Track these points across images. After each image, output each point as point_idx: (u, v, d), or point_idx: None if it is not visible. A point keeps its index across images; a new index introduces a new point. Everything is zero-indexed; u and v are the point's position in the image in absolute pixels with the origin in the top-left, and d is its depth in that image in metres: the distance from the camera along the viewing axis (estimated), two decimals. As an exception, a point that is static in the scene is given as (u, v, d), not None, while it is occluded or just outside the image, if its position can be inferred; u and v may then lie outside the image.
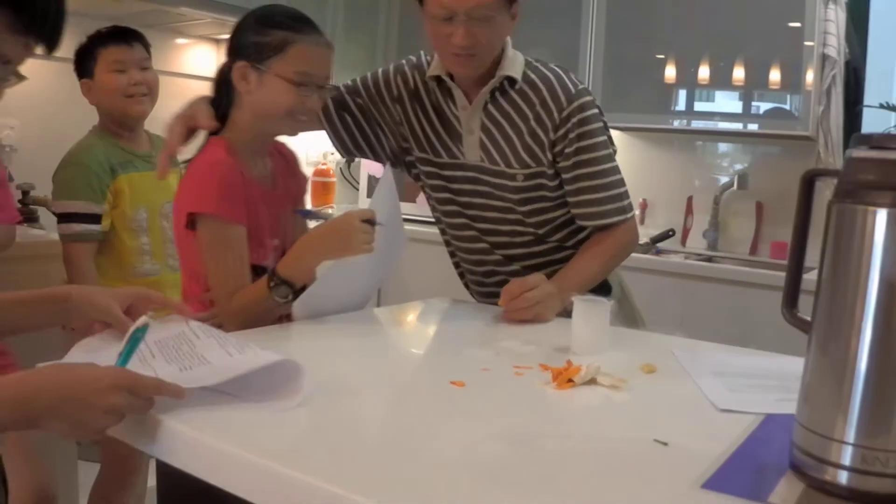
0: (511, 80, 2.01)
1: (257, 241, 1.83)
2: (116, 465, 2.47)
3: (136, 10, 3.42)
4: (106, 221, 2.44)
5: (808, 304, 1.01)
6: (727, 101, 3.88)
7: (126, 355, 1.22)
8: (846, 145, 0.99)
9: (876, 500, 0.91)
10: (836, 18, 3.43)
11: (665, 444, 1.09)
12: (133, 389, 1.06)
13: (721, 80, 3.72)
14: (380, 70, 2.21)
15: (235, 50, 1.84)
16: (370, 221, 1.71)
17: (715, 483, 0.96)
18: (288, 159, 2.05)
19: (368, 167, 4.51)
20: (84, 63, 2.51)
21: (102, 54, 2.48)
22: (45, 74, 3.32)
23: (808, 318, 1.01)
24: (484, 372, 1.43)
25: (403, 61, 2.19)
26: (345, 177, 4.71)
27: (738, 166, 4.03)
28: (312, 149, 4.53)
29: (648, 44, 3.81)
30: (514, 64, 2.02)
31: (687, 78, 3.78)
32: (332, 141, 2.20)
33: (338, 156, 4.52)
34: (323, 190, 4.26)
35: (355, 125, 2.17)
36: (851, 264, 0.93)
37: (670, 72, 3.82)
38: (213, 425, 1.11)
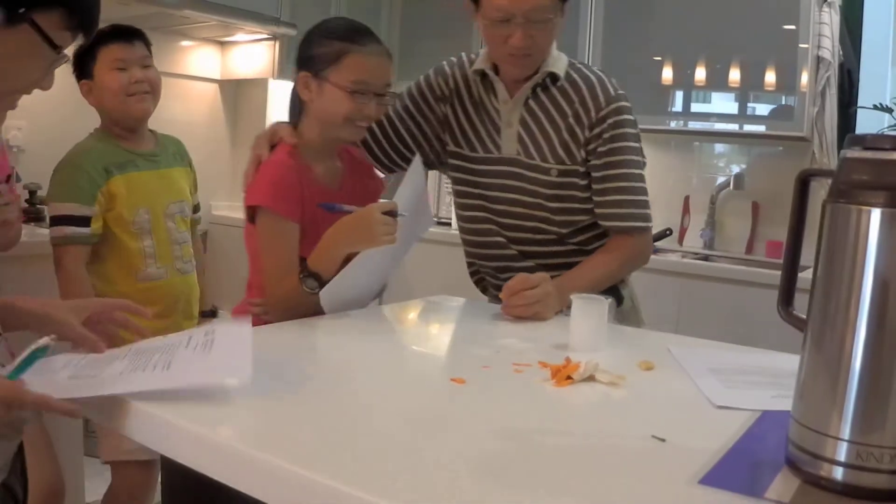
0: (554, 77, 2.05)
1: (314, 237, 1.87)
2: (124, 492, 2.43)
3: (140, 13, 3.43)
4: (96, 224, 2.32)
5: (804, 302, 1.03)
6: (723, 103, 3.90)
7: (18, 370, 1.20)
8: (840, 146, 1.00)
9: (870, 496, 0.92)
10: (830, 21, 3.45)
11: (663, 440, 1.10)
12: (13, 403, 1.10)
13: (717, 82, 3.74)
14: (421, 77, 2.26)
15: (300, 61, 1.97)
16: (392, 213, 1.76)
17: (712, 479, 0.97)
18: (360, 162, 2.15)
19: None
20: (83, 64, 2.40)
21: (102, 53, 2.37)
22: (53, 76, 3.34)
23: (804, 316, 1.02)
24: (484, 369, 1.44)
25: (444, 62, 2.24)
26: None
27: (735, 167, 4.05)
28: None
29: (645, 46, 3.83)
30: (559, 62, 2.06)
31: (684, 79, 3.80)
32: (371, 157, 2.24)
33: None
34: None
35: (398, 138, 2.23)
36: (846, 263, 0.95)
37: (667, 73, 3.84)
38: (214, 421, 1.12)
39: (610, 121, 2.02)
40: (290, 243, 1.88)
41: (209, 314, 2.71)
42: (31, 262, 2.55)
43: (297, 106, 2.00)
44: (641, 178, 2.08)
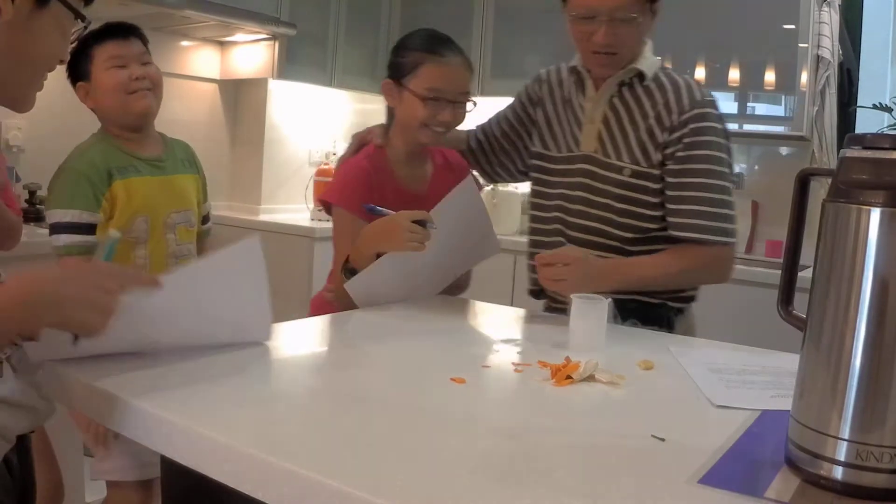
0: (640, 76, 2.01)
1: None
2: None
3: (140, 13, 3.43)
4: (101, 233, 2.14)
5: (804, 301, 1.03)
6: (723, 102, 3.86)
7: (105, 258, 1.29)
8: (840, 145, 1.00)
9: (870, 495, 0.92)
10: (829, 20, 3.46)
11: (662, 439, 1.11)
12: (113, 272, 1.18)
13: (717, 82, 3.74)
14: (523, 85, 2.29)
15: (388, 69, 2.14)
16: (421, 223, 1.85)
17: (711, 478, 0.97)
18: (454, 168, 2.24)
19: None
20: (78, 66, 2.24)
21: (98, 52, 2.21)
22: (51, 74, 3.33)
23: (803, 316, 1.02)
24: (484, 369, 1.44)
25: (542, 69, 2.26)
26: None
27: (734, 166, 4.05)
28: (315, 149, 4.54)
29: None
30: (648, 63, 2.02)
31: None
32: (475, 165, 2.32)
33: (340, 154, 4.57)
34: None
35: (498, 146, 2.29)
36: (845, 262, 0.95)
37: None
38: (215, 420, 1.12)
39: (692, 126, 1.94)
40: (354, 238, 2.00)
41: None
42: (31, 262, 2.53)
43: (390, 111, 2.18)
44: (724, 190, 1.96)
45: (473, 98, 2.12)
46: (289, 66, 4.14)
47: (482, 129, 2.34)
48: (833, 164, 1.02)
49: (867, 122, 3.63)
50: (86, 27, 1.35)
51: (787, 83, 3.57)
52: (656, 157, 1.97)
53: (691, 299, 2.09)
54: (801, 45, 3.44)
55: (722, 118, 1.98)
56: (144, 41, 2.30)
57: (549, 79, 2.21)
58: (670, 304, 2.04)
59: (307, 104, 4.49)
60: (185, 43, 4.08)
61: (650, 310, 2.01)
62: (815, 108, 3.47)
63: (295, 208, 4.39)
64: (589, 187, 2.04)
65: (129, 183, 2.19)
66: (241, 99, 4.37)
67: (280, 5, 3.97)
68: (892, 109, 3.22)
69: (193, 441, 1.08)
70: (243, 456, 1.02)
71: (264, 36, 4.06)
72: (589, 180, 2.04)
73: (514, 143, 2.27)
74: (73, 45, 2.10)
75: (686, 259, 1.96)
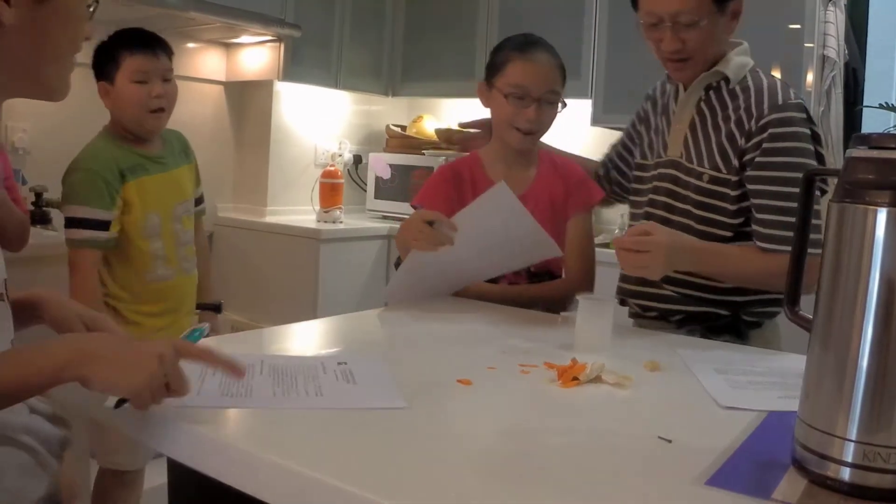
0: (725, 79, 1.93)
1: None
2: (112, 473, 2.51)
3: (146, 15, 3.43)
4: (115, 228, 2.35)
5: (810, 301, 1.03)
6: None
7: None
8: (846, 145, 1.00)
9: (877, 496, 0.92)
10: (835, 20, 3.45)
11: (669, 440, 1.11)
12: (179, 348, 1.12)
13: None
14: None
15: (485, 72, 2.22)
16: (432, 222, 1.90)
17: (718, 479, 0.97)
18: (562, 175, 2.26)
19: (375, 168, 4.52)
20: (105, 65, 2.40)
21: (127, 61, 2.37)
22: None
23: (810, 316, 1.02)
24: (490, 370, 1.44)
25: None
26: (353, 178, 4.73)
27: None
28: (321, 150, 4.54)
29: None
30: (735, 66, 1.93)
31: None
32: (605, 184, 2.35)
33: (345, 157, 4.59)
34: (331, 191, 4.27)
35: (615, 164, 2.33)
36: (852, 263, 0.95)
37: (672, 72, 3.83)
38: (223, 423, 1.12)
39: (771, 130, 1.83)
40: None
41: (212, 307, 2.72)
42: (39, 264, 2.56)
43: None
44: None
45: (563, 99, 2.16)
46: (294, 67, 4.14)
47: (607, 154, 2.36)
48: (839, 164, 1.02)
49: (873, 121, 3.63)
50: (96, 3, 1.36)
51: (792, 82, 3.52)
52: (735, 162, 1.89)
53: (771, 315, 1.99)
54: (806, 44, 3.43)
55: (808, 122, 1.87)
56: (171, 55, 2.47)
57: (654, 92, 2.20)
58: (745, 317, 1.95)
59: (312, 106, 4.49)
60: (190, 45, 4.09)
61: (719, 319, 1.95)
62: (821, 108, 3.46)
63: (301, 210, 4.39)
64: (672, 193, 2.00)
65: (141, 183, 2.40)
66: (247, 101, 4.37)
67: (285, 7, 3.96)
68: (899, 109, 3.21)
69: (195, 440, 1.08)
70: (246, 456, 1.02)
71: (269, 38, 4.06)
72: (672, 186, 2.00)
73: (628, 162, 2.28)
74: (101, 40, 2.18)
75: (759, 264, 1.85)
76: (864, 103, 3.67)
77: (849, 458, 0.93)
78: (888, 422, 0.91)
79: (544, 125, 2.17)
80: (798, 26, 3.42)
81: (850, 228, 0.95)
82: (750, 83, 1.91)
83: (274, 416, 1.16)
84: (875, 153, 0.95)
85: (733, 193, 1.90)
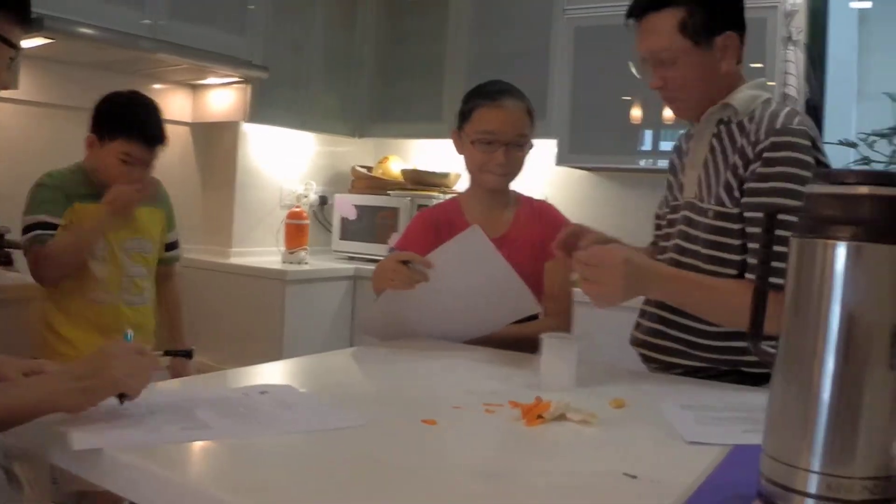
0: (733, 110, 1.83)
1: None
2: None
3: (117, 58, 3.44)
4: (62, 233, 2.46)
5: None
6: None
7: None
8: (806, 181, 1.01)
9: (842, 528, 0.92)
10: (795, 59, 3.51)
11: (634, 476, 1.10)
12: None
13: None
14: None
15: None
16: (407, 262, 1.95)
17: (684, 514, 0.97)
18: (542, 217, 2.32)
19: (340, 209, 4.52)
20: (102, 125, 2.50)
21: (122, 141, 2.47)
22: (20, 118, 3.32)
23: (773, 350, 1.02)
24: (455, 410, 1.43)
25: None
26: (318, 219, 4.72)
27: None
28: (287, 192, 4.53)
29: (614, 86, 3.87)
30: (744, 98, 1.84)
31: (652, 118, 3.83)
32: None
33: (311, 197, 4.58)
34: (297, 232, 4.26)
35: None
36: (813, 297, 0.95)
37: (636, 113, 3.87)
38: (181, 461, 1.10)
39: (766, 156, 1.72)
40: None
41: (184, 353, 2.74)
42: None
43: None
44: None
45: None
46: (261, 109, 4.15)
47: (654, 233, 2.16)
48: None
49: (833, 157, 3.66)
50: (17, 54, 1.48)
51: (755, 121, 3.60)
52: (737, 195, 1.78)
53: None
54: (768, 83, 3.48)
55: (812, 150, 1.73)
56: (165, 145, 2.61)
57: (680, 140, 2.11)
58: (744, 369, 1.81)
59: (279, 147, 4.49)
60: (157, 86, 4.08)
61: (720, 376, 1.82)
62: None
63: (267, 251, 4.37)
64: (685, 235, 1.89)
65: (87, 208, 2.49)
66: (213, 142, 4.36)
67: (253, 49, 3.97)
68: (857, 145, 3.26)
69: (162, 485, 1.06)
70: (206, 497, 1.00)
71: (237, 79, 4.07)
72: (686, 228, 1.89)
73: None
74: (109, 97, 2.47)
75: (742, 298, 1.54)
76: (825, 140, 3.72)
77: (813, 490, 0.92)
78: (851, 453, 0.91)
79: (515, 168, 2.23)
80: (760, 65, 3.48)
81: (811, 263, 0.96)
82: (758, 114, 1.80)
83: (237, 456, 1.14)
84: (835, 189, 0.96)
85: (738, 228, 1.78)
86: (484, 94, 2.22)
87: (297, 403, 1.39)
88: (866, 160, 3.17)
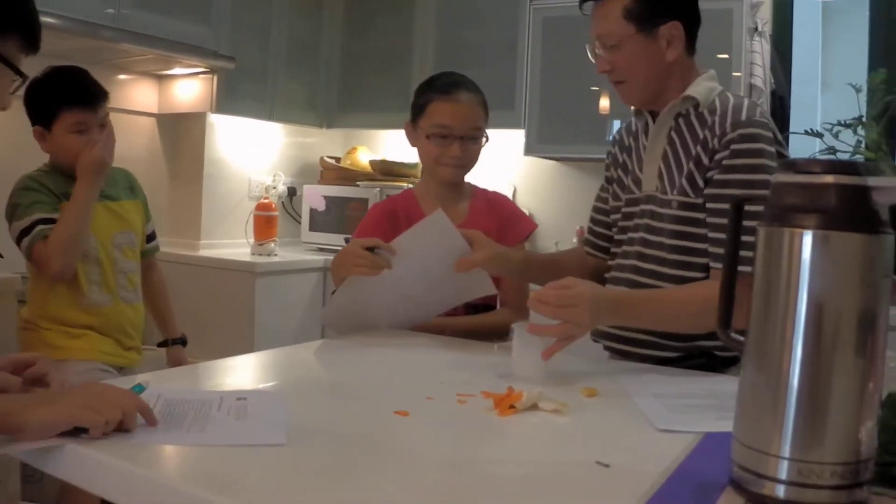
0: (693, 103, 1.86)
1: None
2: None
3: (79, 47, 3.39)
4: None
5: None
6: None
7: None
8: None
9: (813, 512, 0.93)
10: (761, 50, 3.54)
11: (607, 465, 1.11)
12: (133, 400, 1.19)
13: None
14: None
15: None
16: (371, 248, 1.93)
17: (657, 502, 0.98)
18: (496, 209, 2.34)
19: (309, 200, 4.50)
20: (40, 112, 2.43)
21: (64, 115, 2.40)
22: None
23: (741, 338, 1.04)
24: (427, 401, 1.43)
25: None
26: (287, 211, 4.70)
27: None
28: (255, 183, 4.51)
29: (582, 77, 3.88)
30: (704, 89, 1.87)
31: (620, 108, 3.84)
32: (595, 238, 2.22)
33: (280, 189, 4.56)
34: (266, 224, 4.23)
35: (596, 217, 2.20)
36: (780, 285, 0.97)
37: (604, 103, 3.89)
38: (150, 454, 1.10)
39: (733, 147, 1.76)
40: None
41: (179, 341, 2.81)
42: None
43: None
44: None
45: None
46: (228, 99, 4.11)
47: (588, 227, 2.23)
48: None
49: (799, 147, 3.71)
50: (24, 81, 1.49)
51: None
52: (701, 185, 1.82)
53: None
54: (734, 73, 3.51)
55: (768, 137, 1.78)
56: (107, 99, 2.51)
57: (621, 132, 2.14)
58: (716, 353, 1.85)
59: (246, 138, 4.46)
60: (122, 76, 4.03)
61: (692, 359, 1.86)
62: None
63: (236, 243, 4.35)
64: (649, 228, 1.91)
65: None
66: (180, 133, 4.32)
67: (219, 39, 3.94)
68: (823, 135, 3.28)
69: (131, 481, 1.06)
70: (174, 492, 1.00)
71: (203, 69, 4.03)
72: (650, 221, 1.91)
73: (608, 212, 2.14)
74: (35, 77, 2.27)
75: (704, 297, 1.68)
76: (791, 130, 3.76)
77: (784, 476, 0.94)
78: (821, 439, 0.93)
79: (470, 160, 2.24)
80: (726, 56, 3.51)
81: (778, 252, 0.97)
82: (717, 105, 1.84)
83: (208, 451, 1.13)
84: (801, 178, 0.97)
85: (702, 217, 1.83)
86: (438, 87, 2.22)
87: (253, 414, 1.30)
88: (832, 150, 3.19)
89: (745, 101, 1.84)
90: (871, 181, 0.94)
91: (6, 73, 1.44)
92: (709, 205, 1.81)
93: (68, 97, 2.40)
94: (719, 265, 1.75)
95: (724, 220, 1.72)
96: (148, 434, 1.17)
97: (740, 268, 1.63)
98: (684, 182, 1.84)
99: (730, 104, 1.83)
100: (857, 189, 0.94)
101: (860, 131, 3.23)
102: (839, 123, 3.39)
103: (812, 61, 4.01)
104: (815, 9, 4.09)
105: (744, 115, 1.79)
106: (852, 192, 0.94)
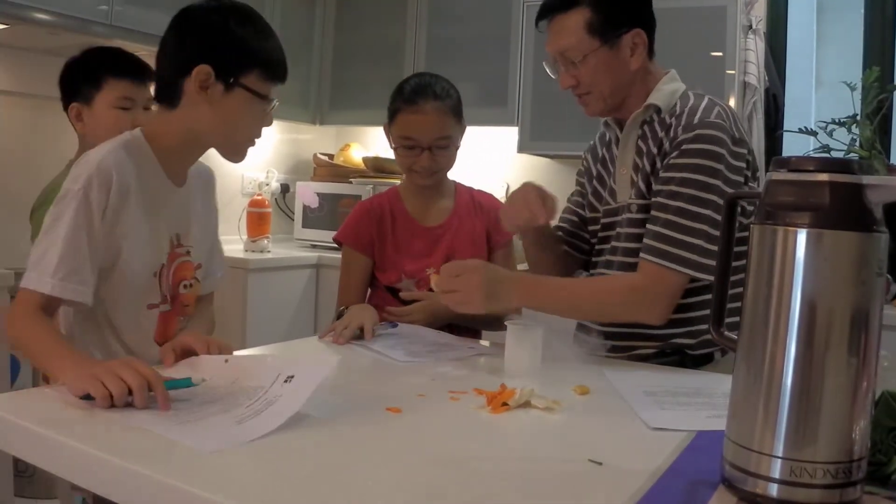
0: (656, 110, 1.85)
1: (391, 265, 2.25)
2: None
3: (72, 44, 3.36)
4: None
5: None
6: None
7: (170, 384, 1.31)
8: (767, 169, 1.02)
9: (805, 511, 0.93)
10: (755, 48, 3.54)
11: (599, 463, 1.10)
12: (145, 373, 1.27)
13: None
14: None
15: None
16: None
17: (649, 500, 0.97)
18: (480, 209, 2.33)
19: (302, 197, 4.49)
20: (80, 85, 2.20)
21: (111, 84, 2.18)
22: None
23: (735, 336, 1.03)
24: (420, 398, 1.43)
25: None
26: (280, 207, 4.69)
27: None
28: (248, 180, 4.50)
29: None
30: (665, 95, 1.86)
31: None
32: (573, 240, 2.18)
33: (273, 185, 4.55)
34: (258, 220, 4.22)
35: (567, 226, 2.17)
36: (773, 283, 0.96)
37: (598, 100, 3.88)
38: (139, 452, 1.09)
39: (683, 147, 1.75)
40: (354, 272, 2.28)
41: None
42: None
43: None
44: (698, 218, 1.71)
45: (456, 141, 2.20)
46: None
47: (562, 216, 2.19)
48: (761, 188, 1.04)
49: (793, 145, 3.72)
50: (273, 106, 1.69)
51: (715, 109, 3.63)
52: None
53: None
54: (728, 71, 3.51)
55: (720, 139, 1.74)
56: (153, 80, 2.23)
57: (594, 142, 2.13)
58: (688, 351, 1.86)
59: (240, 134, 4.44)
60: (113, 73, 4.02)
61: (664, 356, 1.87)
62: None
63: (228, 239, 4.32)
64: (629, 236, 1.87)
65: None
66: (173, 129, 4.30)
67: (211, 35, 3.92)
68: (817, 133, 3.29)
69: (125, 477, 1.05)
70: (169, 488, 0.99)
71: (196, 66, 4.01)
72: (629, 229, 1.88)
73: (583, 220, 2.13)
74: (73, 57, 2.22)
75: (610, 288, 1.82)
76: (784, 128, 3.77)
77: (776, 475, 0.94)
78: (813, 437, 0.92)
79: (442, 167, 2.22)
80: (720, 54, 3.50)
81: (771, 250, 0.97)
82: (678, 107, 1.83)
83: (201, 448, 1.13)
84: (794, 176, 0.97)
85: None
86: (404, 96, 2.17)
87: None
88: (826, 148, 3.20)
89: (704, 102, 1.82)
90: (865, 179, 0.94)
91: (253, 102, 1.62)
92: (652, 200, 1.80)
93: (115, 67, 2.21)
94: (649, 258, 1.75)
95: (661, 214, 1.75)
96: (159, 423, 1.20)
97: (674, 266, 1.73)
98: (641, 184, 1.84)
99: (688, 106, 1.81)
100: (850, 187, 0.94)
101: (854, 129, 3.24)
102: (833, 121, 3.40)
103: (806, 59, 4.01)
104: (810, 6, 4.09)
105: (697, 118, 1.77)
106: (846, 191, 0.94)
